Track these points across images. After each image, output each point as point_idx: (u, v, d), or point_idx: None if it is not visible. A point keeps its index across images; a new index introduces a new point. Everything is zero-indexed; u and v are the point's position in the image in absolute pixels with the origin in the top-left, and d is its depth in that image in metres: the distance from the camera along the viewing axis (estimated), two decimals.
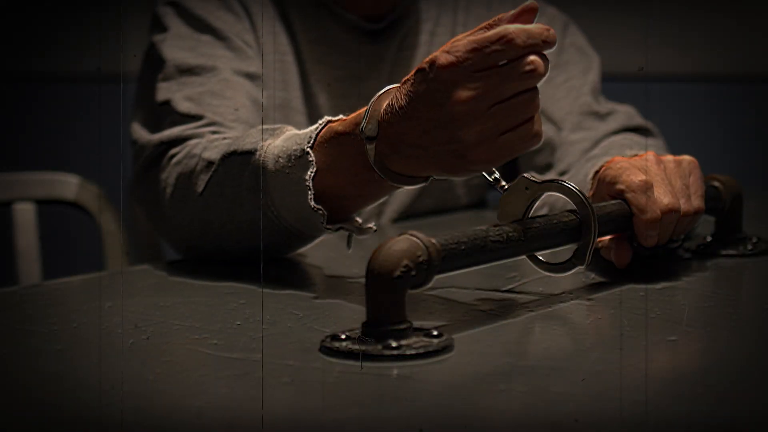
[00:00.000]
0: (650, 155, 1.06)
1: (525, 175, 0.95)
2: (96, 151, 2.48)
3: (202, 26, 1.29)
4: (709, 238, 1.16)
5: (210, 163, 1.09)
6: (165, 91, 1.23)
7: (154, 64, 1.27)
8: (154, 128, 1.22)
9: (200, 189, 1.09)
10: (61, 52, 2.57)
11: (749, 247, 1.14)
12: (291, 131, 1.03)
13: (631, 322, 0.88)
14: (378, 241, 0.79)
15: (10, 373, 0.78)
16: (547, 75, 1.45)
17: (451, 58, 0.88)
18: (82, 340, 0.86)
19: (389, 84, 1.42)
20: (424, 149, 0.91)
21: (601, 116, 1.37)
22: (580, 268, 0.95)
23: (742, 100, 2.37)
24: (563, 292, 0.97)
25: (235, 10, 1.32)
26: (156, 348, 0.83)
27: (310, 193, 0.97)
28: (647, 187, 1.01)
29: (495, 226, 0.88)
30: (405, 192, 1.44)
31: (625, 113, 1.38)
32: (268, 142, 1.02)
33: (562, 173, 1.36)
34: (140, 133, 1.23)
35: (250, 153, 1.03)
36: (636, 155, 1.12)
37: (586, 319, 0.92)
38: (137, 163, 1.21)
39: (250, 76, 1.28)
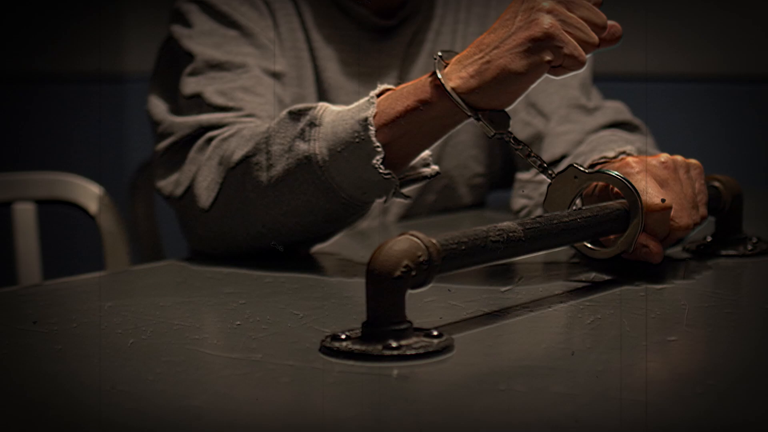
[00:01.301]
0: (664, 156, 1.05)
1: (574, 164, 1.02)
2: (96, 151, 2.48)
3: (227, 22, 1.30)
4: (709, 238, 1.16)
5: (261, 133, 1.11)
6: (194, 84, 1.24)
7: (180, 58, 1.27)
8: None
9: (256, 171, 1.11)
10: (61, 52, 2.57)
11: (749, 247, 1.14)
12: (330, 113, 1.08)
13: (631, 322, 0.88)
14: (379, 241, 0.79)
15: (10, 373, 0.78)
16: None
17: None
18: (82, 340, 0.86)
19: (400, 81, 1.43)
20: (495, 45, 1.00)
21: (588, 110, 1.38)
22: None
23: (743, 100, 2.37)
24: (563, 292, 0.97)
25: (258, 6, 1.33)
26: (156, 348, 0.83)
27: (372, 129, 1.03)
28: (667, 211, 1.02)
29: (495, 226, 0.88)
30: (409, 191, 1.45)
31: (613, 109, 1.38)
32: (322, 105, 1.08)
33: (551, 163, 1.36)
34: (165, 115, 1.23)
35: (304, 112, 1.08)
36: (625, 153, 1.13)
37: (586, 319, 0.92)
38: (164, 143, 1.21)
39: (275, 75, 1.29)
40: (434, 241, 0.79)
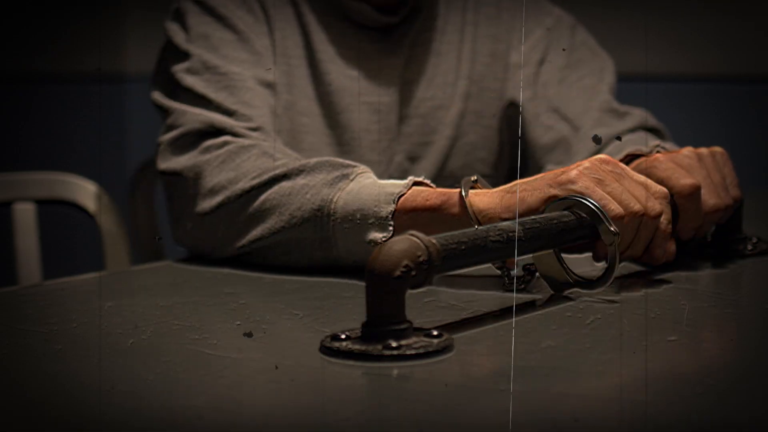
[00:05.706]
0: (688, 150, 1.11)
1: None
2: (96, 151, 2.48)
3: (225, 25, 1.29)
4: (709, 238, 1.16)
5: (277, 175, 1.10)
6: (192, 81, 1.24)
7: (177, 56, 1.27)
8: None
9: (247, 191, 1.11)
10: (61, 52, 2.57)
11: (749, 247, 1.14)
12: (368, 177, 1.07)
13: (631, 322, 0.88)
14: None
15: (10, 373, 0.78)
16: (560, 75, 1.46)
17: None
18: (82, 340, 0.86)
19: (402, 81, 1.42)
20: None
21: (619, 114, 1.39)
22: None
23: (743, 100, 2.37)
24: (563, 292, 0.97)
25: (254, 11, 1.32)
26: (156, 348, 0.83)
27: (393, 205, 1.02)
28: (696, 192, 1.07)
29: (495, 225, 0.88)
30: None
31: (640, 115, 1.39)
32: (343, 185, 1.06)
33: None
34: (174, 104, 1.23)
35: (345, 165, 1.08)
36: (660, 148, 1.18)
37: (586, 319, 0.92)
38: (171, 135, 1.21)
39: (267, 84, 1.29)
40: (434, 240, 0.79)
